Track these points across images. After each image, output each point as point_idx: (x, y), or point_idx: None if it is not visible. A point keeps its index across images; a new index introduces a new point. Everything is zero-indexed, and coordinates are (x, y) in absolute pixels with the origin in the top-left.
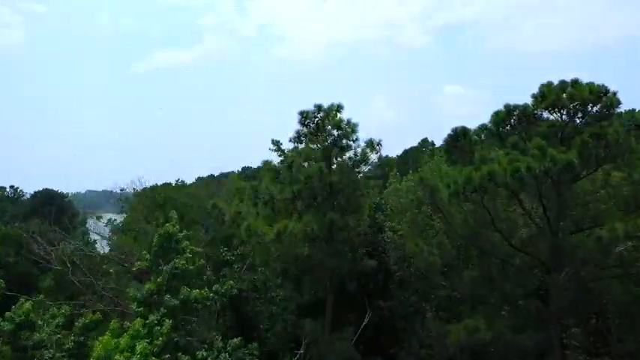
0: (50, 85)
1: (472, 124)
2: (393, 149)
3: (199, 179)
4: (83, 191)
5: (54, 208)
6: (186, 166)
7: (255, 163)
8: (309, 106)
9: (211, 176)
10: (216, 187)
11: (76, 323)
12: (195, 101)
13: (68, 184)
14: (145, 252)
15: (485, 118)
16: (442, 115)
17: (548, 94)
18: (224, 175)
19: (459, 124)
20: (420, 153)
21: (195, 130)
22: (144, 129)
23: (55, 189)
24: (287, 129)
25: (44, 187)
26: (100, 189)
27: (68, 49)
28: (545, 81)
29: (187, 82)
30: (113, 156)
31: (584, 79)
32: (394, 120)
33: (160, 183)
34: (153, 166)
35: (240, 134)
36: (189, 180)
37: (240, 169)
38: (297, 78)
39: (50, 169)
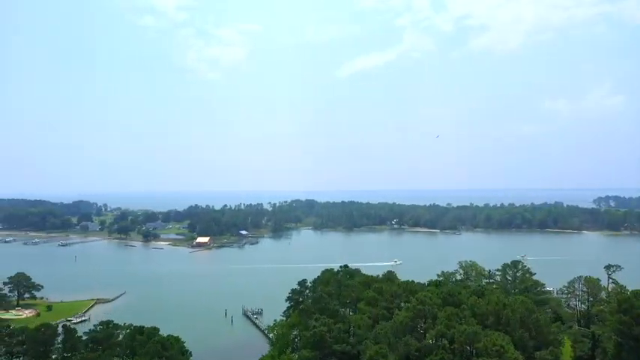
0: (268, 91)
1: None
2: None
3: None
4: (288, 201)
5: None
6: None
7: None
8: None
9: None
10: None
11: None
12: (394, 101)
13: (271, 194)
14: None
15: None
16: None
17: None
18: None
19: None
20: None
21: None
22: (349, 131)
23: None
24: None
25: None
26: (303, 198)
27: (280, 60)
28: None
29: (386, 83)
30: (311, 158)
31: None
32: (623, 106)
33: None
34: (352, 167)
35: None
36: None
37: None
38: (498, 68)
39: (256, 173)
